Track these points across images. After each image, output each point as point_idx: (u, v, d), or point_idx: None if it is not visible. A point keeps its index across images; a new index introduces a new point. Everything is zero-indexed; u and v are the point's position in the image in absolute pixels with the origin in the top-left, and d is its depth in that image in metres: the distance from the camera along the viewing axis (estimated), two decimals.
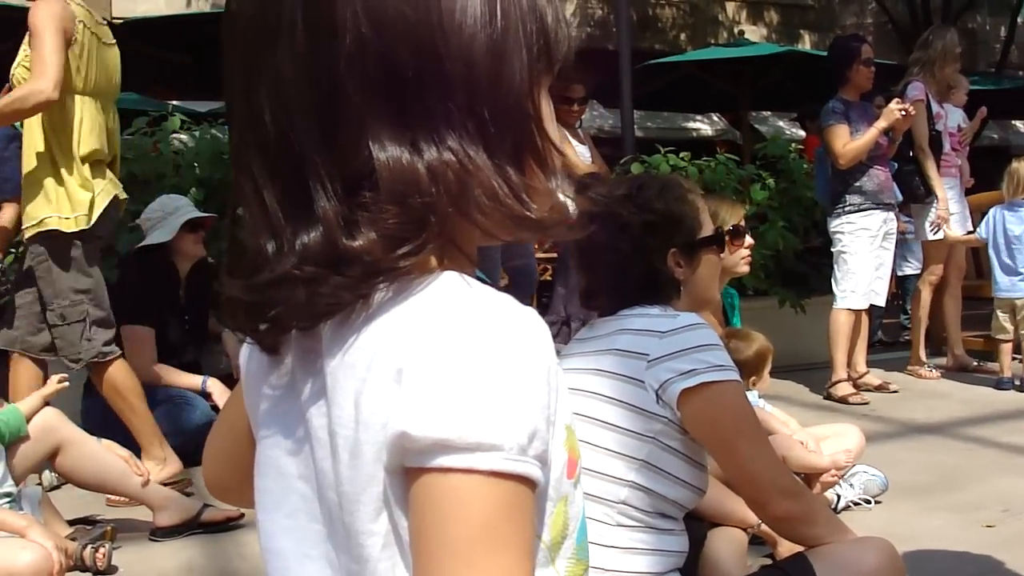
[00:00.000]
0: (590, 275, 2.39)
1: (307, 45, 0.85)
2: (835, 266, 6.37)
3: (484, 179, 0.85)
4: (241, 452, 1.09)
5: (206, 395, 5.07)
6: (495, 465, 0.77)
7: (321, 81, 0.85)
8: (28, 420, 3.74)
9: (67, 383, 4.03)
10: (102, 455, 3.91)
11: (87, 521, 3.89)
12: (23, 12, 4.35)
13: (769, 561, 3.04)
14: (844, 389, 6.24)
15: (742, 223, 3.67)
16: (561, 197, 0.93)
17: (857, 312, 6.34)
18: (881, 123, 6.15)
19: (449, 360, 0.79)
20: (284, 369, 0.95)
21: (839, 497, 3.88)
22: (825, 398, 6.30)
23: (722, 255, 2.77)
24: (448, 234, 0.86)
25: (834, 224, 6.36)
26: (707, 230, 2.40)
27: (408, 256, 0.83)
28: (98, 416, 4.84)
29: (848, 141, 6.17)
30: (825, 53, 7.39)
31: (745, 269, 3.76)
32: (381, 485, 0.83)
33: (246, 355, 1.05)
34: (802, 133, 11.34)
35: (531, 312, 0.84)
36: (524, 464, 0.79)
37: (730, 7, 19.69)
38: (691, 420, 2.11)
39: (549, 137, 0.92)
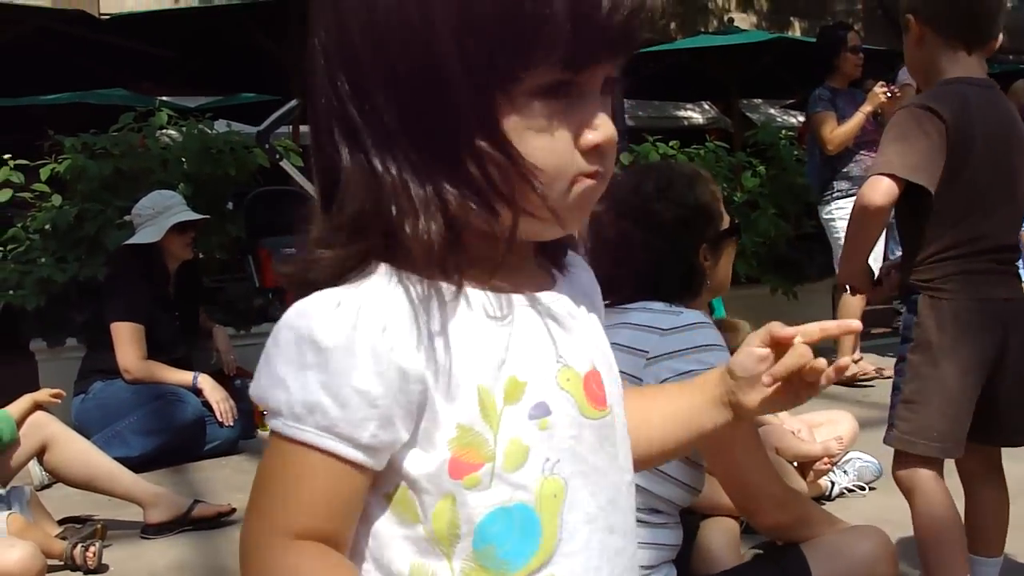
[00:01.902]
0: (620, 269, 2.20)
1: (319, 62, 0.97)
2: (835, 254, 6.34)
3: (420, 216, 0.92)
4: None
5: (197, 391, 5.04)
6: (275, 427, 0.93)
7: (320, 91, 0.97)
8: (19, 425, 3.73)
9: (60, 400, 4.02)
10: (90, 453, 3.90)
11: (77, 520, 3.87)
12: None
13: (761, 551, 3.03)
14: (850, 371, 6.23)
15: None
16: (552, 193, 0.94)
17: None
18: (866, 107, 6.13)
19: (270, 340, 0.94)
20: None
21: (833, 484, 3.87)
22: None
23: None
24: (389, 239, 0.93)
25: (825, 211, 6.35)
26: (726, 221, 2.36)
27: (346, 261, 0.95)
28: (94, 417, 4.84)
29: (835, 127, 6.15)
30: (815, 40, 7.36)
31: None
32: None
33: None
34: (793, 120, 11.31)
35: (369, 313, 0.91)
36: (302, 432, 0.91)
37: None
38: None
39: (510, 154, 0.92)
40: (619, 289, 2.21)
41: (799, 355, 1.12)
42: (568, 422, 0.98)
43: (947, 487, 2.47)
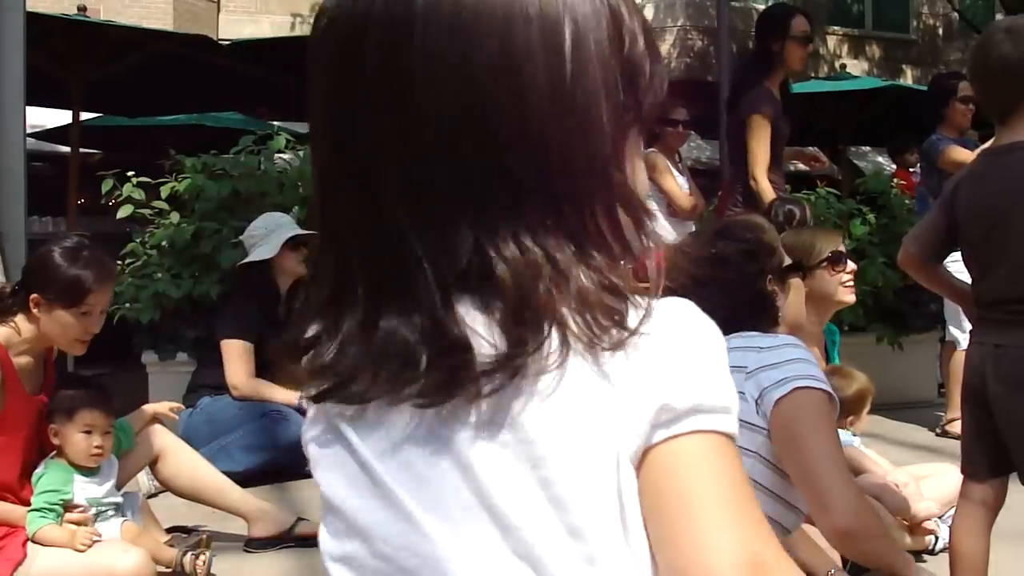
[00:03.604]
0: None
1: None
2: (948, 305, 6.19)
3: (574, 277, 0.87)
4: None
5: (302, 411, 5.12)
6: (730, 427, 0.89)
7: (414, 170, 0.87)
8: (137, 434, 3.83)
9: (177, 416, 4.14)
10: (201, 465, 3.99)
11: (183, 530, 3.96)
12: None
13: None
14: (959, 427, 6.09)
15: (841, 248, 3.64)
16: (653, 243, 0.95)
17: None
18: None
19: (700, 344, 0.92)
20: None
21: (937, 539, 3.80)
22: (939, 435, 6.16)
23: (806, 280, 3.06)
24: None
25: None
26: (787, 260, 2.53)
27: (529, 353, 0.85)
28: (201, 431, 4.94)
29: (964, 152, 5.90)
30: (927, 89, 7.24)
31: (850, 298, 3.68)
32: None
33: None
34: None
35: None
36: (733, 426, 0.89)
37: (831, 40, 19.52)
38: (776, 427, 2.12)
39: (636, 196, 0.93)
40: None
41: None
42: None
43: None
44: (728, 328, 2.27)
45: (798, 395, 2.13)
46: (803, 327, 2.62)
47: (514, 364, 0.84)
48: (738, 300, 2.35)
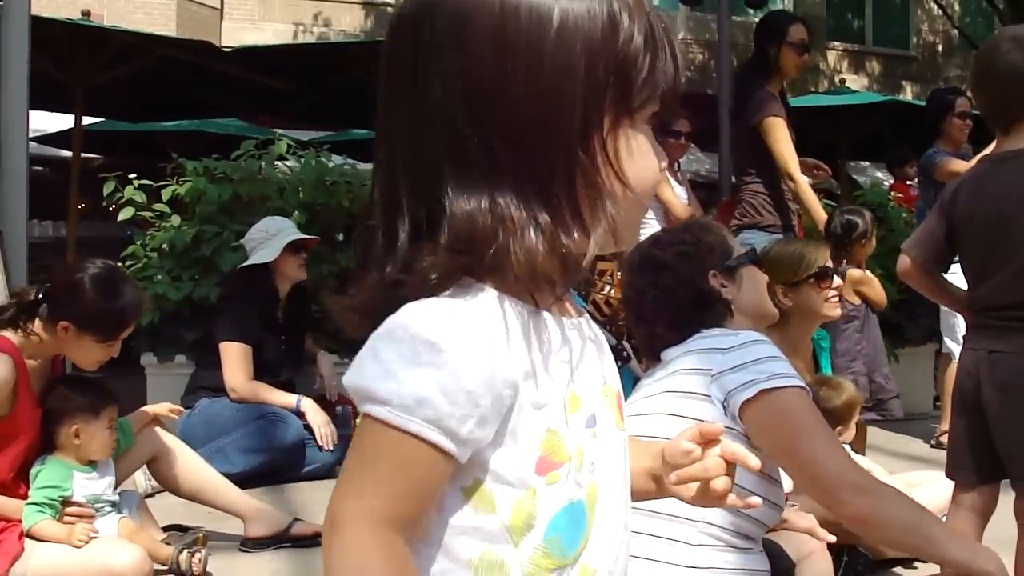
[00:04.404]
0: (647, 323, 2.46)
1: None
2: (943, 317, 6.22)
3: (521, 236, 1.01)
4: None
5: (299, 414, 5.15)
6: (380, 415, 0.99)
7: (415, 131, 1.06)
8: (136, 434, 3.86)
9: (177, 417, 4.17)
10: (198, 465, 4.01)
11: (179, 528, 3.97)
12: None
13: None
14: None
15: (828, 264, 3.67)
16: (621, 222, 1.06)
17: None
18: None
19: (380, 335, 1.01)
20: None
21: None
22: (934, 446, 6.17)
23: (792, 294, 3.46)
24: (492, 269, 1.02)
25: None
26: (739, 251, 2.54)
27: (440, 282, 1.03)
28: (199, 433, 4.96)
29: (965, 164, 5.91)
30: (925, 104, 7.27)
31: (835, 312, 3.73)
32: None
33: None
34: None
35: (478, 324, 1.00)
36: (410, 422, 0.98)
37: (831, 56, 19.58)
38: (753, 431, 2.13)
39: (599, 180, 1.04)
40: (656, 339, 2.35)
41: (703, 468, 1.18)
42: (607, 432, 1.14)
43: None
44: (678, 329, 2.33)
45: (768, 401, 2.10)
46: (767, 313, 2.61)
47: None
48: (679, 302, 2.38)
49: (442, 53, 1.02)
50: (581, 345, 1.12)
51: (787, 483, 2.59)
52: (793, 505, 3.02)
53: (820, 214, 5.62)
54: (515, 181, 1.02)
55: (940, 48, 20.92)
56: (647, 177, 1.09)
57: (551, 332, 1.07)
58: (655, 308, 2.38)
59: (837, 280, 3.69)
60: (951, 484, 4.01)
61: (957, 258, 3.05)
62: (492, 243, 1.00)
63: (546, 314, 1.07)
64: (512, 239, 1.00)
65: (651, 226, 5.50)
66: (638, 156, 1.07)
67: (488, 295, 1.03)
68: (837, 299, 3.71)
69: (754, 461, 1.17)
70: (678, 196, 6.38)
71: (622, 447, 1.18)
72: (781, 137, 5.50)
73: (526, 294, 1.05)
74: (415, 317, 1.00)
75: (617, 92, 1.04)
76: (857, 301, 5.69)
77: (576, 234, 1.03)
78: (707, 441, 1.18)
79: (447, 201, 1.02)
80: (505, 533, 1.04)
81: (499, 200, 1.01)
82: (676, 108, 1.10)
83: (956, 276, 3.13)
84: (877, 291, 5.75)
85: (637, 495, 1.27)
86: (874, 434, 5.93)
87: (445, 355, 0.98)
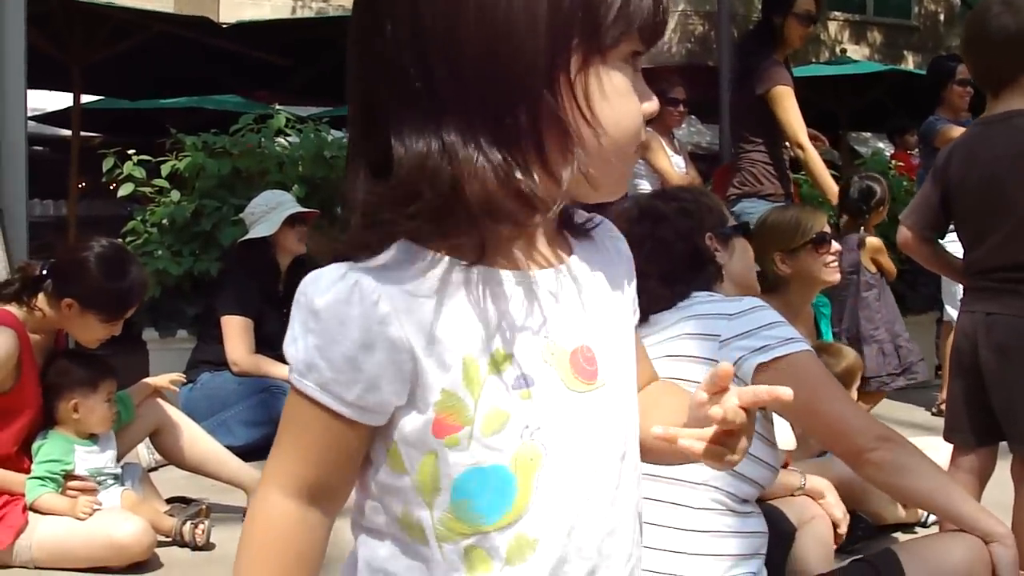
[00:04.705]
0: (640, 276, 2.43)
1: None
2: (944, 285, 6.21)
3: (473, 173, 0.97)
4: None
5: None
6: (290, 378, 1.04)
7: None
8: (137, 407, 3.87)
9: (178, 388, 4.18)
10: (200, 437, 4.03)
11: (182, 500, 3.99)
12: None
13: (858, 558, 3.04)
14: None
15: (826, 229, 3.67)
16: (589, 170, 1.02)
17: None
18: None
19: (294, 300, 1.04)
20: None
21: (927, 513, 3.82)
22: (935, 414, 6.16)
23: (791, 260, 3.49)
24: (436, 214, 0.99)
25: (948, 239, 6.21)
26: (732, 222, 2.57)
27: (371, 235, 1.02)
28: (201, 406, 4.97)
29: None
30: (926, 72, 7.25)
31: (835, 277, 3.73)
32: None
33: None
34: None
35: (365, 287, 0.99)
36: (304, 385, 1.02)
37: (832, 26, 19.48)
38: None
39: (564, 118, 0.99)
40: (643, 291, 2.34)
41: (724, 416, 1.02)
42: (550, 394, 1.06)
43: None
44: (671, 286, 2.32)
45: (784, 365, 2.11)
46: (753, 286, 2.63)
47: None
48: (674, 255, 2.38)
49: None
50: (528, 300, 1.06)
51: (785, 444, 2.61)
52: (794, 470, 3.03)
53: (829, 183, 5.60)
54: (466, 120, 0.98)
55: (942, 18, 20.82)
56: (625, 120, 1.03)
57: (477, 288, 1.03)
58: (649, 260, 2.37)
59: (835, 245, 3.69)
60: (950, 449, 4.04)
61: (952, 226, 3.06)
62: (440, 181, 0.97)
63: (476, 269, 1.03)
64: (462, 176, 0.97)
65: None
66: (614, 97, 1.02)
67: (391, 253, 1.03)
68: (836, 264, 3.71)
69: (786, 391, 1.02)
70: (675, 165, 6.36)
71: (592, 408, 1.09)
72: (789, 106, 5.46)
73: (472, 244, 1.01)
74: (310, 283, 1.02)
75: (585, 28, 0.98)
76: (874, 270, 5.70)
77: (536, 175, 0.99)
78: (718, 390, 1.05)
79: (396, 143, 1.00)
80: (416, 494, 1.05)
81: (447, 139, 0.98)
82: (656, 43, 1.05)
83: (952, 245, 3.13)
84: (888, 259, 5.76)
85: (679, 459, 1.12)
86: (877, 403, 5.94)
87: (324, 322, 1.00)
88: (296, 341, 1.02)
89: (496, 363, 1.03)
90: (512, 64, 0.97)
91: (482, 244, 1.01)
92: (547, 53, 0.97)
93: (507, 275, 1.05)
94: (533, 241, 1.10)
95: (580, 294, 1.12)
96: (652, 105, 1.06)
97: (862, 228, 5.63)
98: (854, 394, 3.94)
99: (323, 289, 1.00)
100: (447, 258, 1.02)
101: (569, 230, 1.16)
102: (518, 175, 0.98)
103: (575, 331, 1.09)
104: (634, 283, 1.25)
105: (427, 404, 1.02)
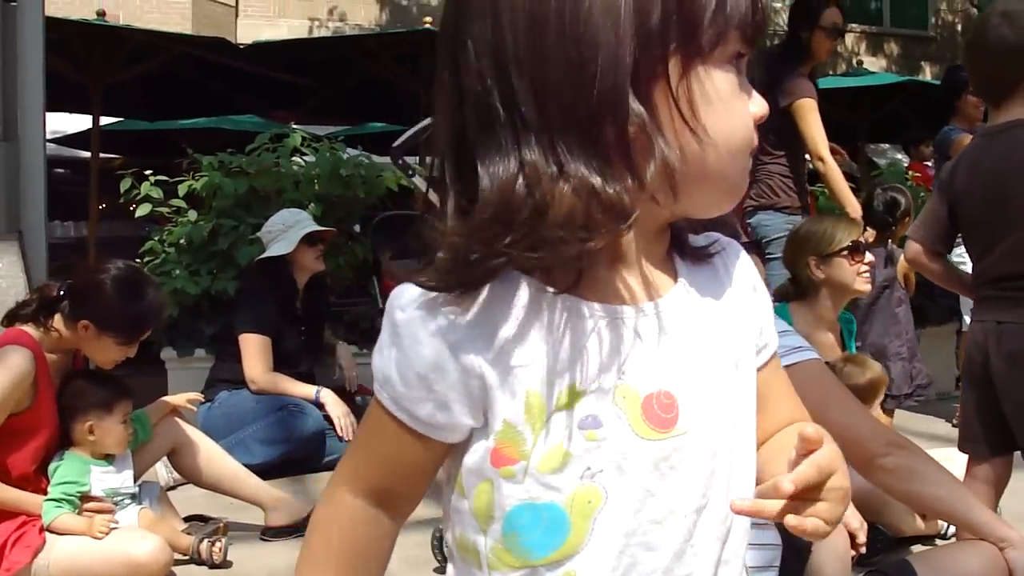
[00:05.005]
0: None
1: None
2: (963, 296, 6.17)
3: (561, 193, 0.93)
4: None
5: (319, 405, 5.17)
6: (374, 389, 1.05)
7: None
8: (155, 426, 3.88)
9: (196, 407, 4.19)
10: (218, 455, 4.03)
11: (200, 518, 4.00)
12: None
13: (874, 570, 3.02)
14: None
15: (861, 239, 3.70)
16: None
17: None
18: None
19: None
20: None
21: (948, 525, 3.80)
22: (955, 426, 6.11)
23: (823, 267, 3.51)
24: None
25: (956, 253, 6.19)
26: (744, 237, 2.55)
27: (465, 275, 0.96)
28: (219, 425, 4.98)
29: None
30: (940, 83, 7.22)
31: (866, 288, 3.77)
32: None
33: None
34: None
35: (444, 308, 0.97)
36: (380, 395, 1.04)
37: (849, 38, 19.46)
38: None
39: (651, 126, 0.94)
40: None
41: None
42: (617, 438, 1.00)
43: None
44: None
45: (792, 372, 2.11)
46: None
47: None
48: None
49: (481, 10, 0.97)
50: (609, 337, 1.00)
51: None
52: None
53: (849, 197, 5.57)
54: (550, 140, 0.93)
55: (959, 28, 20.77)
56: (731, 125, 0.98)
57: (557, 319, 0.98)
58: None
59: (869, 256, 3.72)
60: (966, 459, 4.03)
61: (959, 240, 3.08)
62: (527, 207, 0.92)
63: (562, 299, 0.98)
64: (549, 198, 0.92)
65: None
66: (718, 102, 0.97)
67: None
68: (868, 275, 3.74)
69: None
70: None
71: (664, 458, 1.02)
72: (813, 120, 5.45)
73: (566, 271, 0.97)
74: (395, 296, 1.02)
75: (683, 32, 0.94)
76: (905, 284, 5.66)
77: (624, 186, 0.94)
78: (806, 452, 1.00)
79: (483, 174, 0.95)
80: (473, 519, 1.05)
81: (531, 161, 0.93)
82: (758, 42, 0.99)
83: (958, 260, 3.14)
84: (913, 273, 5.72)
85: None
86: (896, 415, 5.91)
87: (401, 338, 1.00)
88: (381, 351, 1.03)
89: (564, 400, 0.99)
90: (597, 78, 0.92)
91: (577, 272, 0.98)
92: (639, 64, 0.93)
93: (593, 308, 1.00)
94: (633, 270, 1.04)
95: (670, 333, 1.04)
96: (761, 107, 1.02)
97: (889, 241, 5.59)
98: (877, 407, 3.92)
99: (404, 304, 1.00)
100: (535, 284, 0.98)
101: (682, 254, 1.11)
102: (607, 188, 0.93)
103: (654, 374, 1.02)
104: (763, 314, 1.19)
105: (492, 431, 1.01)
